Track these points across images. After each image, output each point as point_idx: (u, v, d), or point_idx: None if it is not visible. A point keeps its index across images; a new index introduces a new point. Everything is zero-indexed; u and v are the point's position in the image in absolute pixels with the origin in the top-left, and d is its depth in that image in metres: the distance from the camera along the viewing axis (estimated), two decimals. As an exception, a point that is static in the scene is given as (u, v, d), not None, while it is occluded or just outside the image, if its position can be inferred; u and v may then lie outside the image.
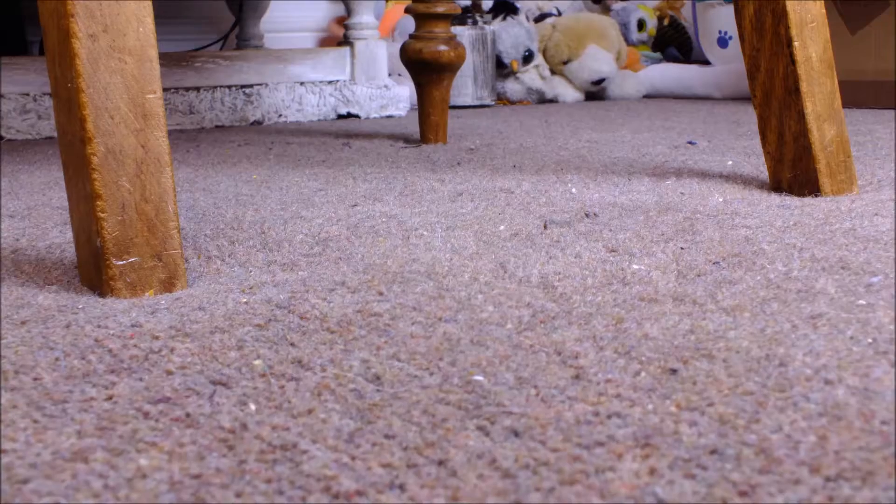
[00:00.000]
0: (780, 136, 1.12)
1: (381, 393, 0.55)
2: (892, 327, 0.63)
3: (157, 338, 0.65)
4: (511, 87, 2.68)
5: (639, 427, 0.49)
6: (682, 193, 1.14)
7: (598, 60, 2.69)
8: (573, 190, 1.19)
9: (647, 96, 2.84)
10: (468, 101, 2.56)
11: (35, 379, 0.57)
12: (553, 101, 2.72)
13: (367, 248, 0.89)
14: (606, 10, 3.11)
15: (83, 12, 0.74)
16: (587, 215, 1.02)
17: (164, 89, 2.06)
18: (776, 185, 1.15)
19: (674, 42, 3.07)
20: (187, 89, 2.11)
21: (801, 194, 1.11)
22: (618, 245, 0.88)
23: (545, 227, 0.97)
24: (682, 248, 0.86)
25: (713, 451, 0.46)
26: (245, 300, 0.73)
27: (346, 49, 2.30)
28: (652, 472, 0.44)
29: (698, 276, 0.77)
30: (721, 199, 1.10)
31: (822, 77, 1.09)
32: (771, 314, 0.67)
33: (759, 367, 0.57)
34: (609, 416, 0.50)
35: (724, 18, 2.71)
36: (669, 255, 0.84)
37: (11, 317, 0.70)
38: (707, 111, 2.30)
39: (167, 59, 2.08)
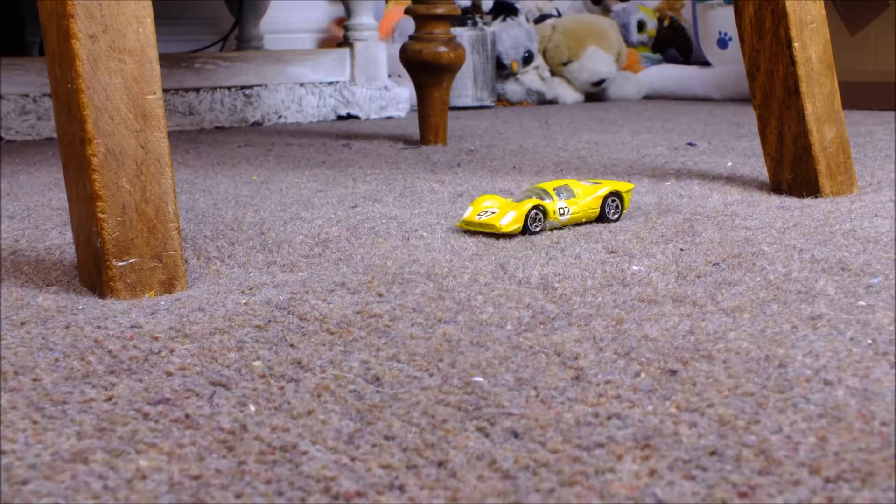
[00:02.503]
0: (780, 137, 1.12)
1: (381, 394, 0.55)
2: (892, 328, 0.63)
3: (156, 339, 0.65)
4: (511, 89, 2.68)
5: (638, 428, 0.49)
6: (681, 195, 1.14)
7: (597, 62, 2.69)
8: (573, 191, 1.19)
9: (647, 97, 2.84)
10: (468, 102, 2.56)
11: (35, 380, 0.57)
12: (553, 102, 2.72)
13: (367, 250, 0.89)
14: (606, 11, 3.11)
15: (83, 13, 0.74)
16: (587, 216, 1.02)
17: (164, 90, 2.06)
18: (776, 186, 1.15)
19: (674, 43, 3.06)
20: (187, 90, 2.11)
21: (800, 195, 1.11)
22: (617, 246, 0.88)
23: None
24: (681, 250, 0.86)
25: (713, 453, 0.46)
26: (245, 301, 0.73)
27: (346, 50, 2.30)
28: (652, 473, 0.44)
29: (698, 277, 0.77)
30: (721, 201, 1.10)
31: (822, 78, 1.09)
32: (771, 315, 0.67)
33: (758, 369, 0.57)
34: (609, 418, 0.50)
35: (724, 19, 2.71)
36: (669, 257, 0.84)
37: (11, 317, 0.70)
38: (707, 112, 2.30)
39: (167, 60, 2.08)
